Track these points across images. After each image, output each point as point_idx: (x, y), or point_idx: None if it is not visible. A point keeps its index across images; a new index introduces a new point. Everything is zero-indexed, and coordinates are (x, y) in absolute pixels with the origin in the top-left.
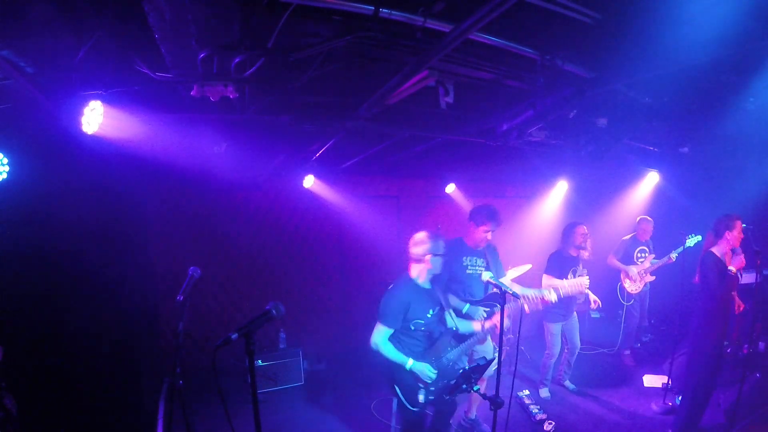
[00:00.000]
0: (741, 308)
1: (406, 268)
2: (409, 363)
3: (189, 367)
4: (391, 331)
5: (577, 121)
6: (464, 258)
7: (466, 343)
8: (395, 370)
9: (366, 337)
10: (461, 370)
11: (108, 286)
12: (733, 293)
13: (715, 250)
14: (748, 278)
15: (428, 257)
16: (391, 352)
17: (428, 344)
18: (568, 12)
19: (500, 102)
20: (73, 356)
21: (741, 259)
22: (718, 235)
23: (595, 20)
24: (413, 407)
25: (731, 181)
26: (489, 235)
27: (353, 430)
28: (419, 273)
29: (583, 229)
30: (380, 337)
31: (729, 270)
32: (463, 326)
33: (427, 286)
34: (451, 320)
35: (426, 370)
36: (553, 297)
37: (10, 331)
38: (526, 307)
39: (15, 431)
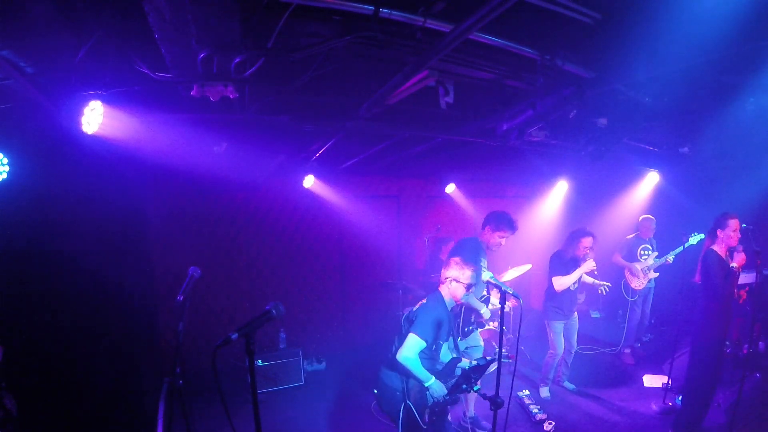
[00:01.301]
0: (743, 298)
1: (437, 287)
2: (431, 381)
3: (189, 367)
4: (425, 344)
5: (577, 121)
6: (482, 259)
7: (453, 382)
8: (412, 387)
9: (366, 337)
10: (462, 372)
11: (108, 285)
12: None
13: (716, 248)
14: (748, 278)
15: (452, 282)
16: (418, 367)
17: (436, 366)
18: (568, 12)
19: (500, 102)
20: (73, 356)
21: (742, 256)
22: (712, 235)
23: (595, 20)
24: (423, 425)
25: (731, 181)
26: (503, 242)
27: (353, 430)
28: (446, 295)
29: (589, 241)
30: (413, 350)
31: (732, 267)
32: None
33: (449, 309)
34: (456, 351)
35: (443, 389)
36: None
37: (10, 331)
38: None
39: (15, 431)
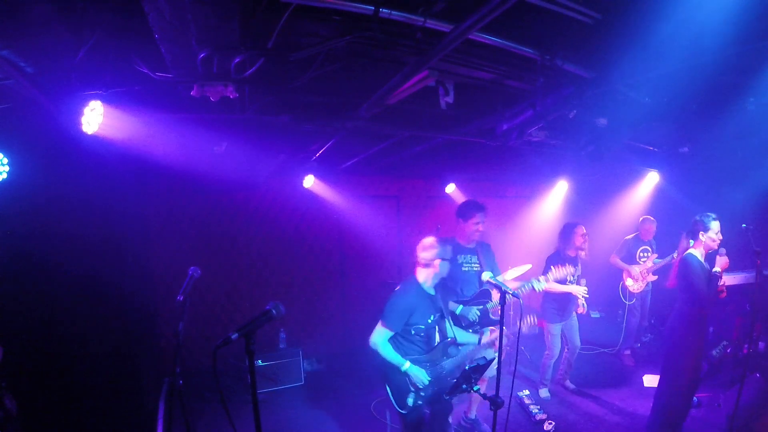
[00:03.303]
0: (724, 293)
1: (412, 272)
2: (406, 365)
3: (189, 367)
4: (392, 333)
5: (577, 121)
6: (459, 256)
7: (461, 354)
8: (389, 370)
9: (366, 337)
10: (462, 372)
11: (108, 285)
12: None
13: (695, 252)
14: (748, 278)
15: (437, 261)
16: (389, 353)
17: (426, 349)
18: (568, 12)
19: (500, 102)
20: (73, 356)
21: (725, 260)
22: (693, 237)
23: (595, 20)
24: (401, 409)
25: (731, 181)
26: (480, 227)
27: (353, 430)
28: (426, 277)
29: (582, 229)
30: (380, 337)
31: (714, 272)
32: (461, 336)
33: (432, 291)
34: (450, 329)
35: (421, 375)
36: (540, 287)
37: (10, 331)
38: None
39: (15, 431)
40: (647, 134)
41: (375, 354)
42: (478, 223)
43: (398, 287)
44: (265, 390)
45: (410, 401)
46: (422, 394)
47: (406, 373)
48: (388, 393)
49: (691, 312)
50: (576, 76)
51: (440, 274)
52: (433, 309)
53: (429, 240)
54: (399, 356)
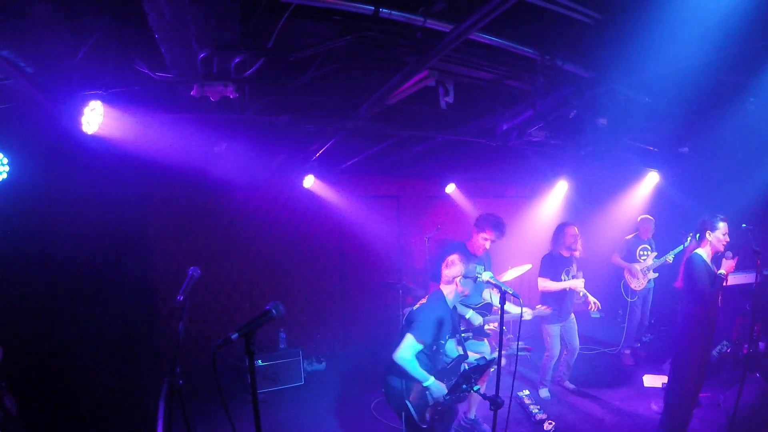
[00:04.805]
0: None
1: (436, 286)
2: (430, 380)
3: (189, 367)
4: (421, 347)
5: (577, 121)
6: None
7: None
8: (409, 388)
9: (366, 336)
10: (461, 372)
11: (108, 286)
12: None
13: (701, 252)
14: (748, 278)
15: (459, 279)
16: (414, 368)
17: (438, 365)
18: (568, 12)
19: (500, 102)
20: (74, 356)
21: (731, 264)
22: (700, 237)
23: (595, 20)
24: (423, 424)
25: (731, 180)
26: (487, 244)
27: (353, 430)
28: (449, 292)
29: (573, 229)
30: (410, 352)
31: (719, 273)
32: (451, 350)
33: (452, 307)
34: (453, 347)
35: (443, 389)
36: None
37: (10, 331)
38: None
39: (15, 431)
40: (647, 134)
41: (400, 371)
42: (486, 240)
43: (425, 300)
44: (265, 390)
45: (428, 416)
46: (439, 408)
47: (426, 388)
48: (410, 411)
49: (697, 313)
50: (576, 76)
51: (462, 291)
52: (451, 327)
53: (452, 257)
54: (423, 371)
